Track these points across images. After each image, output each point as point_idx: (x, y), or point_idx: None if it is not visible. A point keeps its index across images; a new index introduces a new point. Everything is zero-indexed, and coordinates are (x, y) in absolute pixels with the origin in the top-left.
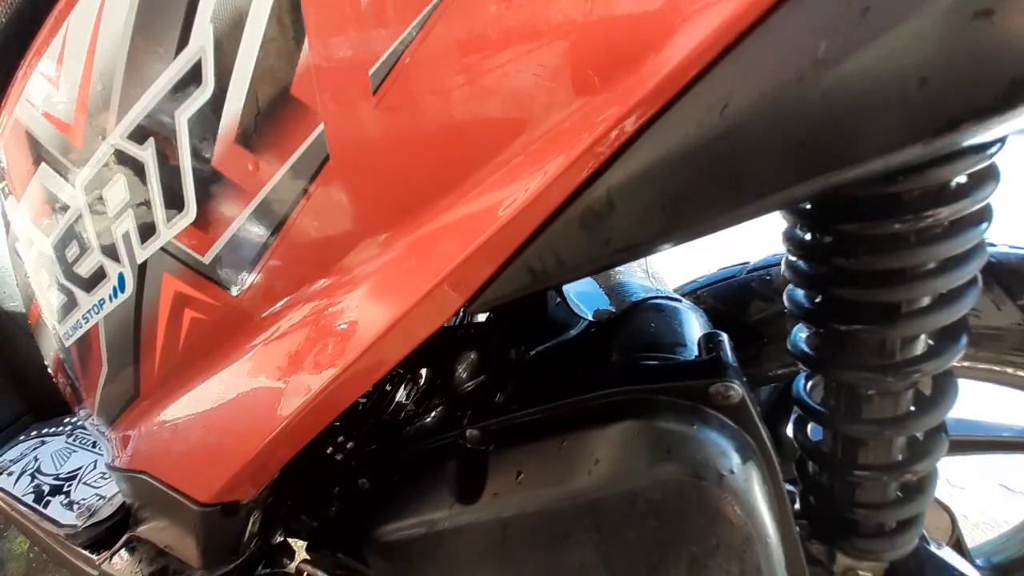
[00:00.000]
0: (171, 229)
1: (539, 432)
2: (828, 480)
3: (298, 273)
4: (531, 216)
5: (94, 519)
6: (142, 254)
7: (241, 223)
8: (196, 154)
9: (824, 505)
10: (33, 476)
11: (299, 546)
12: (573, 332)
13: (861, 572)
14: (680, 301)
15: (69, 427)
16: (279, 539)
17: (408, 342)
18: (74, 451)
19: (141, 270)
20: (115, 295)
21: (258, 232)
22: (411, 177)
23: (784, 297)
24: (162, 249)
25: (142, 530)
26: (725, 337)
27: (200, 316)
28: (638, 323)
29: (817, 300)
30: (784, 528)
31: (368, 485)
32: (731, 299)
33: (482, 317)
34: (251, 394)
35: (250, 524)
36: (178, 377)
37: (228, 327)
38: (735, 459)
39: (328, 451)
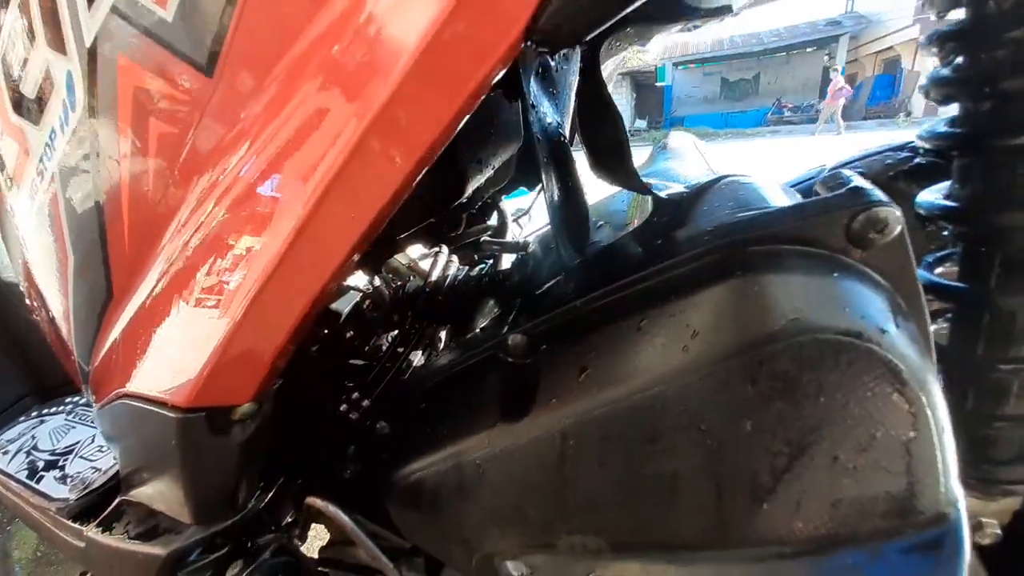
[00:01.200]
0: None
1: (607, 318)
2: (959, 390)
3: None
4: None
5: (87, 491)
6: (90, 27)
7: None
8: None
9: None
10: (28, 453)
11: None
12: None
13: (985, 520)
14: None
15: (70, 406)
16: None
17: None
18: (73, 427)
19: (91, 60)
20: (66, 118)
21: None
22: None
23: (917, 139)
24: (113, 10)
25: (133, 493)
26: (854, 173)
27: (169, 129)
28: (720, 194)
29: (983, 108)
30: None
31: (388, 429)
32: None
33: (507, 264)
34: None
35: (245, 477)
36: (149, 252)
37: (201, 146)
38: (891, 315)
39: (342, 408)
